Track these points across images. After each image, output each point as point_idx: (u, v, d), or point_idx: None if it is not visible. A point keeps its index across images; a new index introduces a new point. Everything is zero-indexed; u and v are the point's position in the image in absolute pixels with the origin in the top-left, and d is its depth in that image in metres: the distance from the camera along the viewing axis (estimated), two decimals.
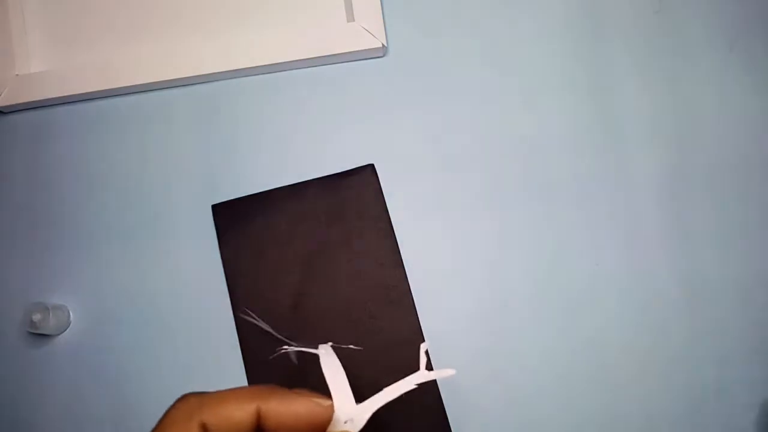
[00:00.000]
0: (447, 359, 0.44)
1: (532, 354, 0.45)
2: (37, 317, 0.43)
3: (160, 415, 0.26)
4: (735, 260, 0.45)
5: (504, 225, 0.46)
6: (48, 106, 0.48)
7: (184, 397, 0.26)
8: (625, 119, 0.47)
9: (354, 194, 0.46)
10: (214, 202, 0.46)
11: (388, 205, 0.46)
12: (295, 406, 0.26)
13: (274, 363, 0.44)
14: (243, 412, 0.25)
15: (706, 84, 0.47)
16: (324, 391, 0.29)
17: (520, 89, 0.48)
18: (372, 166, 0.46)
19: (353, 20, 0.47)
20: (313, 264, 0.45)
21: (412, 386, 0.32)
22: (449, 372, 0.32)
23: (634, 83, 0.47)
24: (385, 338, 0.44)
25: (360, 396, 0.31)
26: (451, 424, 0.43)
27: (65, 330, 0.46)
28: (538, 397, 0.44)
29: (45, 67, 0.49)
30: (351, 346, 0.43)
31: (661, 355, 0.44)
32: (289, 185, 0.46)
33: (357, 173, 0.46)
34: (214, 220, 0.46)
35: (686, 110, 0.47)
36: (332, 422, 0.28)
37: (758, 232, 0.46)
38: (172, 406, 0.26)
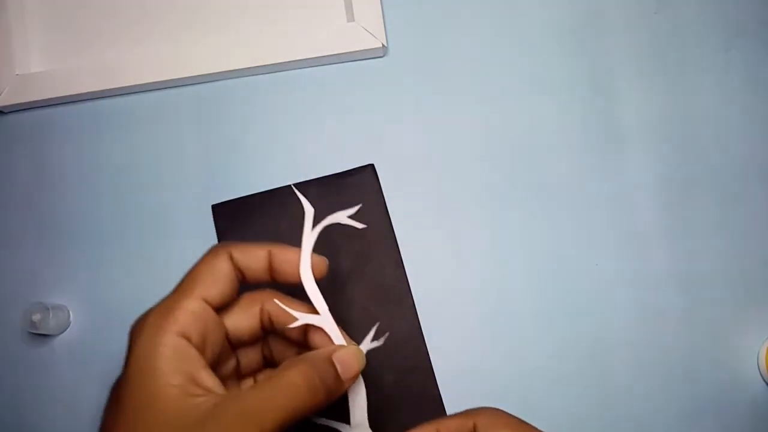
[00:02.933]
0: (447, 358, 0.44)
1: (532, 353, 0.45)
2: (37, 317, 0.43)
3: None
4: (735, 260, 0.45)
5: (504, 225, 0.46)
6: (48, 106, 0.48)
7: (217, 244, 0.34)
8: (624, 119, 0.47)
9: (354, 194, 0.46)
10: (214, 202, 0.46)
11: (388, 205, 0.46)
12: (293, 252, 0.35)
13: None
14: (260, 249, 0.34)
15: (705, 84, 0.47)
16: None
17: (519, 89, 0.48)
18: (372, 166, 0.46)
19: (353, 20, 0.47)
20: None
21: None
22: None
23: (633, 83, 0.47)
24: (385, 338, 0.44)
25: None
26: None
27: (65, 330, 0.46)
28: (538, 396, 0.44)
29: (45, 67, 0.49)
30: None
31: (660, 355, 0.44)
32: (289, 185, 0.46)
33: (357, 173, 0.46)
34: (214, 220, 0.46)
35: (685, 110, 0.47)
36: None
37: (757, 231, 0.46)
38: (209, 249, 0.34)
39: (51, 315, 0.44)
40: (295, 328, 0.34)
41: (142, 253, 0.46)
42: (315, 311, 0.35)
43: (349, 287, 0.45)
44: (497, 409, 0.35)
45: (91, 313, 0.46)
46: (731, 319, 0.45)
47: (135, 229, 0.47)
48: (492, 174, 0.47)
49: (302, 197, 0.36)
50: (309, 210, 0.36)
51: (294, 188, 0.38)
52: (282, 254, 0.34)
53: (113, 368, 0.45)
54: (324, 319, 0.35)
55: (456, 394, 0.44)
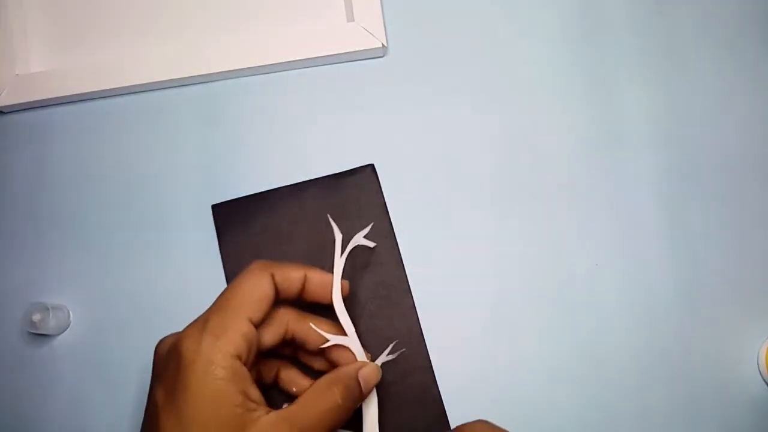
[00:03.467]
0: (446, 358, 0.44)
1: (532, 353, 0.45)
2: (37, 317, 0.43)
3: None
4: (733, 260, 0.45)
5: (504, 225, 0.46)
6: (48, 106, 0.48)
7: (258, 261, 0.37)
8: (624, 119, 0.47)
9: (354, 194, 0.46)
10: (214, 202, 0.46)
11: (388, 205, 0.46)
12: (328, 277, 0.39)
13: None
14: (297, 272, 0.38)
15: (705, 84, 0.47)
16: None
17: (519, 89, 0.48)
18: (372, 166, 0.46)
19: (353, 20, 0.47)
20: (313, 264, 0.44)
21: None
22: None
23: (632, 83, 0.47)
24: (385, 338, 0.44)
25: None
26: (450, 423, 0.43)
27: (65, 330, 0.46)
28: (537, 396, 0.44)
29: (45, 67, 0.49)
30: None
31: (660, 355, 0.44)
32: (289, 185, 0.46)
33: (357, 173, 0.46)
34: (214, 220, 0.46)
35: (684, 110, 0.47)
36: None
37: (757, 231, 0.46)
38: (250, 266, 0.37)
39: (51, 315, 0.44)
40: (316, 342, 0.39)
41: (142, 252, 0.46)
42: (337, 330, 0.39)
43: (349, 287, 0.44)
44: (482, 422, 0.38)
45: (91, 313, 0.46)
46: (731, 319, 0.45)
47: (135, 229, 0.47)
48: (492, 174, 0.47)
49: (333, 224, 0.40)
50: (338, 236, 0.40)
51: (329, 217, 0.41)
52: (316, 278, 0.39)
53: (113, 368, 0.45)
54: (352, 341, 0.39)
55: (456, 393, 0.44)
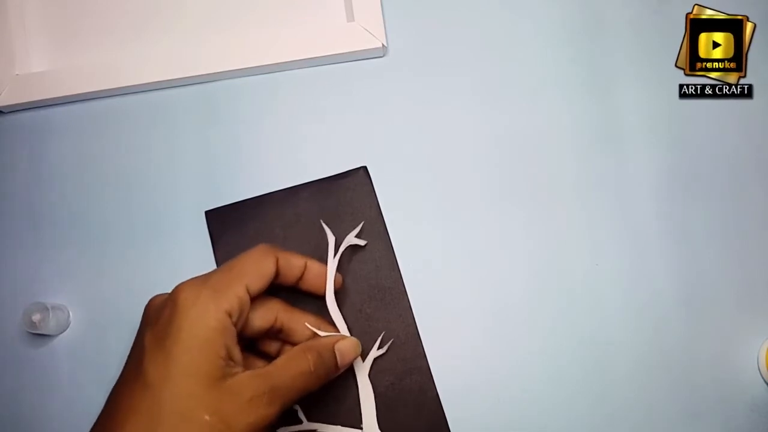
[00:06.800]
0: (444, 359, 0.44)
1: (531, 354, 0.45)
2: (37, 317, 0.43)
3: None
4: (733, 260, 0.45)
5: (502, 225, 0.46)
6: (48, 106, 0.48)
7: (264, 244, 0.39)
8: (624, 119, 0.47)
9: (347, 197, 0.46)
10: (213, 202, 0.46)
11: (388, 206, 0.46)
12: (322, 267, 0.42)
13: None
14: (298, 260, 0.40)
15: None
16: None
17: (519, 89, 0.48)
18: (365, 168, 0.46)
19: (353, 20, 0.47)
20: None
21: None
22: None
23: (633, 83, 0.47)
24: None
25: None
26: (449, 424, 0.43)
27: (65, 330, 0.46)
28: (537, 397, 0.44)
29: (45, 67, 0.49)
30: None
31: (660, 355, 0.44)
32: (282, 189, 0.46)
33: (350, 175, 0.46)
34: (208, 225, 0.46)
35: (685, 110, 0.47)
36: None
37: (757, 231, 0.46)
38: (257, 246, 0.39)
39: (51, 315, 0.44)
40: (303, 334, 0.40)
41: (142, 253, 0.46)
42: (326, 325, 0.41)
43: (345, 290, 0.44)
44: None
45: (91, 313, 0.46)
46: (731, 319, 0.45)
47: (134, 229, 0.47)
48: (491, 174, 0.47)
49: (326, 227, 0.42)
50: (331, 238, 0.42)
51: (321, 221, 0.43)
52: (315, 268, 0.41)
53: (112, 368, 0.45)
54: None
55: (454, 394, 0.44)
